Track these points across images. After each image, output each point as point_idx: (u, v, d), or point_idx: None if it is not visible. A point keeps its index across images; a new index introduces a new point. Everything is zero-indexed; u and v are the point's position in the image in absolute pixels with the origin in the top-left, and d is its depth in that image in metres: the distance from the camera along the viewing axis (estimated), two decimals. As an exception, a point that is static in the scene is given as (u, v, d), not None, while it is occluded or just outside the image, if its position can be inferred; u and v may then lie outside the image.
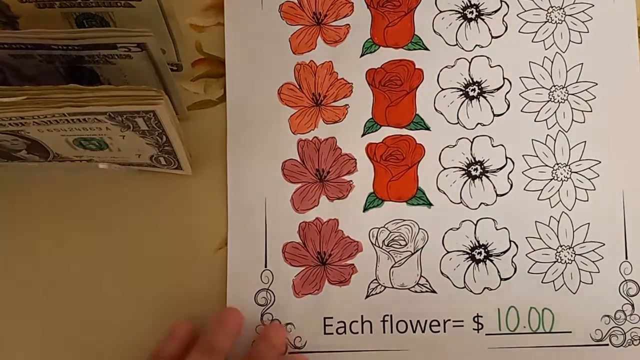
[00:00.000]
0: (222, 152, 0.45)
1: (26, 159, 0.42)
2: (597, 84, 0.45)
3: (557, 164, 0.45)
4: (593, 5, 0.46)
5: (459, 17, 0.46)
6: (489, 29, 0.46)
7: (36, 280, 0.44)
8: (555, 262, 0.44)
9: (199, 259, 0.44)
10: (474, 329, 0.44)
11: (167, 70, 0.40)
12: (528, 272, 0.44)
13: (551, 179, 0.45)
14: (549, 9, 0.46)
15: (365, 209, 0.44)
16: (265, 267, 0.44)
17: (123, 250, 0.44)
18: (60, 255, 0.44)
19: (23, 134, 0.38)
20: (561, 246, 0.44)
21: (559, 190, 0.45)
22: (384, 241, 0.44)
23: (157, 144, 0.40)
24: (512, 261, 0.44)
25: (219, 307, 0.43)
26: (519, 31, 0.46)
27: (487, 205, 0.45)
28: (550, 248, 0.44)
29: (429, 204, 0.44)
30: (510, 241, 0.44)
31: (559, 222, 0.44)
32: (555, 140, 0.45)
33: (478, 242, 0.44)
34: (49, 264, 0.44)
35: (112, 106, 0.36)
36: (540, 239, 0.44)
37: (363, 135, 0.45)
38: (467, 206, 0.45)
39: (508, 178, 0.45)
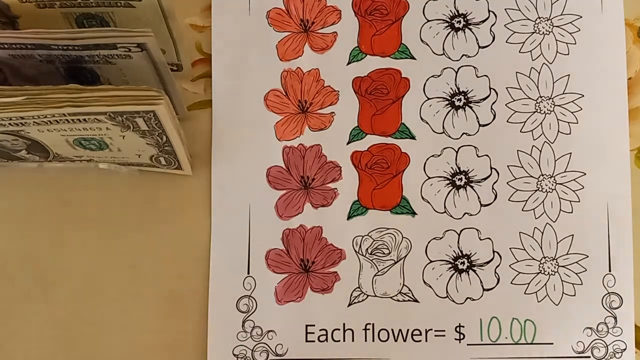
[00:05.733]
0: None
1: (26, 159, 0.42)
2: (583, 96, 0.45)
3: (542, 175, 0.45)
4: (581, 17, 0.46)
5: (447, 27, 0.46)
6: (476, 39, 0.46)
7: (36, 280, 0.44)
8: (538, 273, 0.44)
9: (199, 259, 0.44)
10: (455, 339, 0.44)
11: (167, 70, 0.40)
12: (511, 282, 0.44)
13: (536, 190, 0.45)
14: (536, 19, 0.46)
15: (349, 217, 0.44)
16: (248, 273, 0.44)
17: (123, 250, 0.44)
18: (60, 255, 0.44)
19: (23, 134, 0.38)
20: (545, 257, 0.44)
21: (543, 201, 0.45)
22: (367, 249, 0.44)
23: (157, 144, 0.40)
24: (495, 272, 0.44)
25: (219, 307, 0.43)
26: (507, 41, 0.46)
27: (471, 215, 0.45)
28: (533, 259, 0.44)
29: (413, 213, 0.45)
30: (493, 252, 0.44)
31: (542, 233, 0.44)
32: (540, 152, 0.45)
33: (461, 252, 0.44)
34: (49, 264, 0.44)
35: (112, 106, 0.36)
36: (524, 249, 0.44)
37: (348, 143, 0.45)
38: (451, 216, 0.45)
39: (492, 188, 0.45)
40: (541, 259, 0.44)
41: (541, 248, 0.44)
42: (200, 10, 0.46)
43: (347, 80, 0.45)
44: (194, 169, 0.44)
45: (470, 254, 0.44)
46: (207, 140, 0.45)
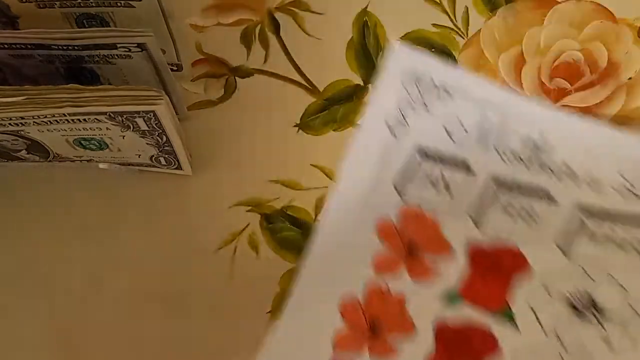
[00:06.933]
0: (222, 152, 0.45)
1: (26, 159, 0.42)
2: None
3: None
4: None
5: (569, 307, 0.37)
6: (608, 338, 0.37)
7: (36, 280, 0.44)
8: None
9: (199, 259, 0.44)
10: None
11: (167, 70, 0.40)
12: None
13: None
14: None
15: None
16: None
17: (123, 250, 0.44)
18: (61, 255, 0.44)
19: (23, 134, 0.38)
20: None
21: None
22: None
23: (157, 144, 0.40)
24: None
25: (219, 308, 0.43)
26: None
27: None
28: None
29: None
30: None
31: None
32: None
33: None
34: (49, 264, 0.44)
35: (112, 106, 0.36)
36: None
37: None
38: None
39: None
40: None
41: None
42: (200, 10, 0.46)
43: (431, 319, 0.38)
44: (194, 169, 0.44)
45: None
46: (207, 140, 0.45)
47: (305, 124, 0.46)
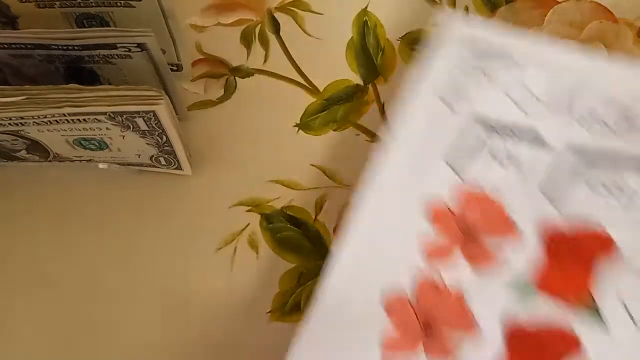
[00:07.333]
0: (222, 152, 0.45)
1: (26, 159, 0.42)
2: None
3: None
4: None
5: None
6: None
7: (36, 280, 0.44)
8: None
9: (199, 259, 0.44)
10: None
11: (167, 70, 0.40)
12: None
13: None
14: None
15: None
16: None
17: (122, 250, 0.44)
18: (60, 255, 0.44)
19: (23, 134, 0.38)
20: None
21: None
22: None
23: (157, 144, 0.40)
24: None
25: (219, 308, 0.43)
26: None
27: None
28: None
29: None
30: None
31: None
32: None
33: None
34: (49, 264, 0.44)
35: (112, 106, 0.36)
36: None
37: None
38: None
39: None
40: None
41: None
42: (200, 10, 0.46)
43: (498, 320, 0.33)
44: (193, 169, 0.44)
45: None
46: (207, 140, 0.45)
47: (305, 124, 0.46)
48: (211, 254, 0.44)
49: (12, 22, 0.40)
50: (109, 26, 0.41)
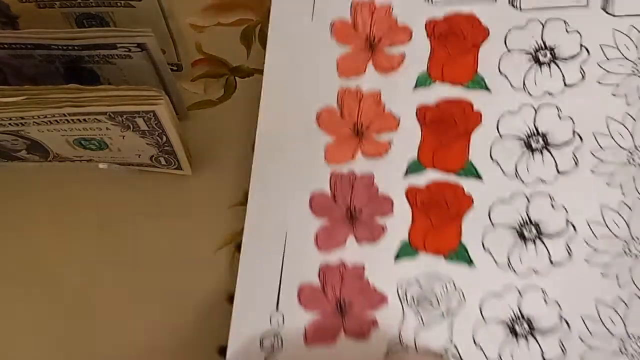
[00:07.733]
0: (222, 152, 0.45)
1: (26, 159, 0.42)
2: None
3: (633, 239, 0.38)
4: None
5: (530, 59, 0.40)
6: (563, 76, 0.40)
7: (36, 280, 0.44)
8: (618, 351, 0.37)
9: (199, 259, 0.44)
10: None
11: (167, 70, 0.40)
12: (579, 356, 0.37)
13: (622, 254, 0.38)
14: (637, 60, 0.39)
15: (396, 258, 0.39)
16: (277, 309, 0.39)
17: (123, 250, 0.44)
18: (60, 255, 0.44)
19: (23, 134, 0.38)
20: (629, 335, 0.37)
21: (631, 268, 0.38)
22: (413, 298, 0.38)
23: (157, 144, 0.40)
24: (561, 344, 0.37)
25: (219, 308, 0.43)
26: (598, 82, 0.39)
27: (538, 273, 0.38)
28: (611, 335, 0.37)
29: (471, 263, 0.39)
30: (561, 318, 0.37)
31: (627, 305, 0.37)
32: (631, 210, 0.38)
33: (521, 314, 0.38)
34: (49, 264, 0.44)
35: (112, 106, 0.36)
36: (601, 321, 0.37)
37: (405, 175, 0.40)
38: (515, 272, 0.38)
39: (567, 246, 0.38)
40: (621, 335, 0.37)
41: (624, 322, 0.37)
42: (200, 10, 0.46)
43: (410, 107, 0.40)
44: (194, 169, 0.44)
45: (532, 318, 0.38)
46: (207, 140, 0.45)
47: (305, 124, 0.46)
48: (211, 254, 0.44)
49: (12, 22, 0.40)
50: (109, 26, 0.41)
